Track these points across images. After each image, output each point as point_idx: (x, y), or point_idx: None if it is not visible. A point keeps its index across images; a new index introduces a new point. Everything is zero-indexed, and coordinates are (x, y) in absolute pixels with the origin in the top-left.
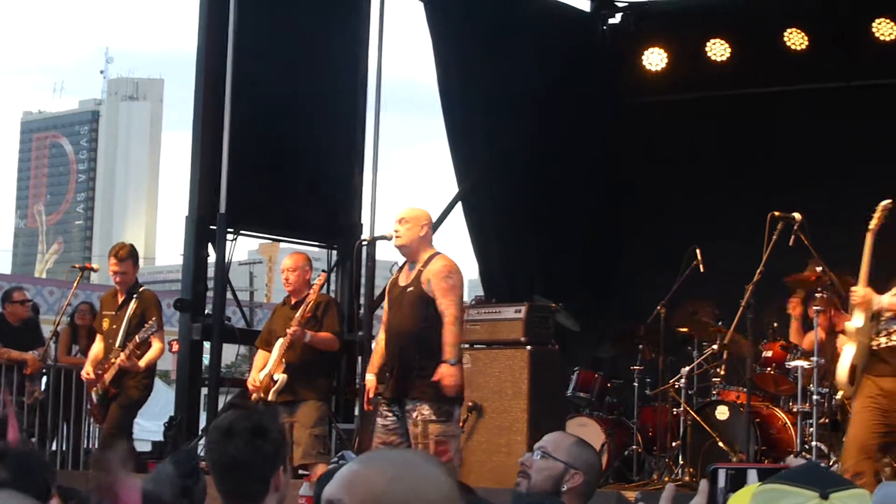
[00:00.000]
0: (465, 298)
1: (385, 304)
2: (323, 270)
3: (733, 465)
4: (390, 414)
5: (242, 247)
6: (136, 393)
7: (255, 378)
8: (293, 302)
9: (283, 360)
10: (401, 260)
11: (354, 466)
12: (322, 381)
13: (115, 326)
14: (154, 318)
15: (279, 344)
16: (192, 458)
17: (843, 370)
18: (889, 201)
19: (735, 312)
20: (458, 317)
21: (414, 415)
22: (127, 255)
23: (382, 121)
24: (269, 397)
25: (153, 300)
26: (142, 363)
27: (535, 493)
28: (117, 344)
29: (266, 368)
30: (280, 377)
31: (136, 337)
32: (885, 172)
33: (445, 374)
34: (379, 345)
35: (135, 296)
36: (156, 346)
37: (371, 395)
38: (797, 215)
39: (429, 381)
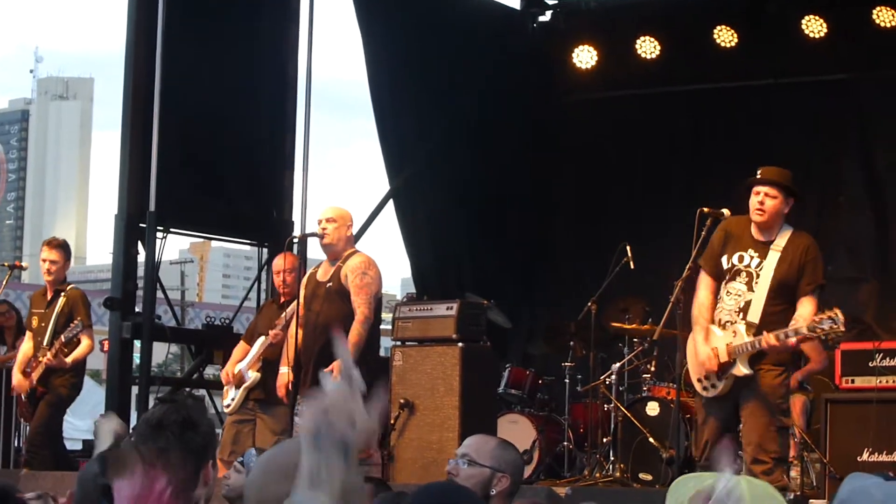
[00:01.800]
0: (398, 296)
1: (300, 298)
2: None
3: None
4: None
5: (174, 246)
6: (65, 391)
7: (230, 369)
8: (282, 301)
9: (262, 358)
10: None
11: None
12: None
13: (43, 324)
14: (80, 318)
15: (260, 342)
16: None
17: None
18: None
19: (665, 309)
20: (368, 317)
21: None
22: (59, 245)
23: (313, 120)
24: (239, 393)
25: (80, 298)
26: (68, 360)
27: None
28: (45, 342)
29: (243, 362)
30: (253, 375)
31: (62, 336)
32: (812, 169)
33: (337, 370)
34: (292, 338)
35: (62, 293)
36: (84, 343)
37: (288, 388)
38: (726, 212)
39: None
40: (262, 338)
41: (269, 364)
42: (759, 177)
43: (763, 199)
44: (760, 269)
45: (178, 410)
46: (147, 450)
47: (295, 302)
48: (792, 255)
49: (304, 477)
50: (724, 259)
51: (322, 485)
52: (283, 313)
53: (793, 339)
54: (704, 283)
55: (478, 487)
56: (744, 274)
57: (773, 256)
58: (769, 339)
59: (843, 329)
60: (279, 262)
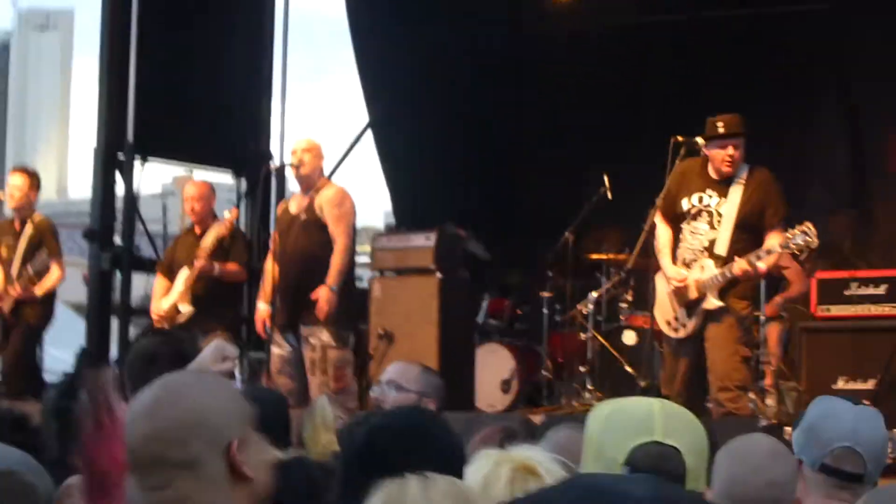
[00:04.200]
0: (380, 227)
1: (274, 232)
2: (235, 205)
3: None
4: (285, 343)
5: (157, 180)
6: (34, 321)
7: (159, 307)
8: (198, 232)
9: (190, 291)
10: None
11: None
12: (228, 311)
13: (12, 255)
14: (46, 252)
15: (184, 275)
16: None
17: None
18: None
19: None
20: (348, 245)
21: (312, 340)
22: (22, 171)
23: (291, 50)
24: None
25: (48, 227)
26: (39, 291)
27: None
28: (14, 272)
29: (170, 297)
30: (186, 309)
31: (29, 268)
32: (792, 100)
33: (323, 297)
34: (268, 272)
35: (30, 222)
36: (54, 272)
37: (267, 324)
38: (700, 140)
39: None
40: (186, 270)
41: (196, 298)
42: (724, 131)
43: (733, 154)
44: (721, 207)
45: (169, 343)
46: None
47: (214, 234)
48: (753, 190)
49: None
50: (683, 201)
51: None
52: (203, 243)
53: (763, 266)
54: (661, 225)
55: None
56: (704, 214)
57: (736, 192)
58: (740, 263)
59: (816, 241)
60: (189, 190)
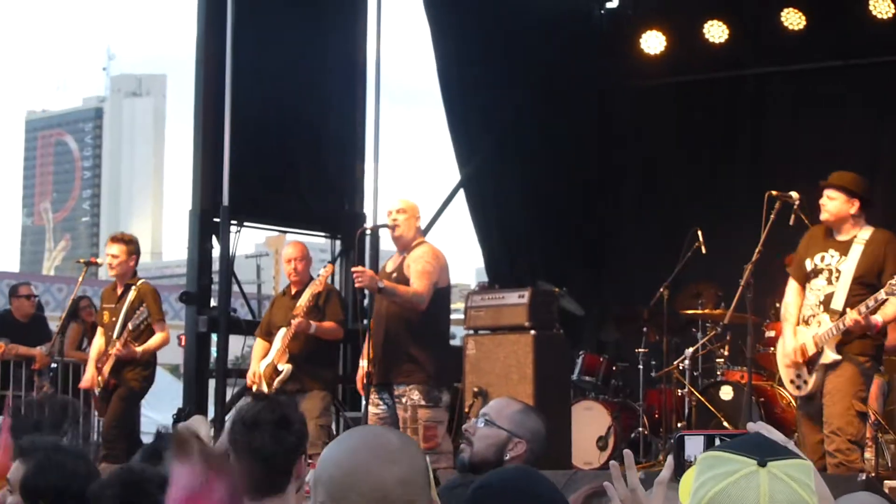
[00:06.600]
0: (472, 285)
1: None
2: (329, 261)
3: (700, 432)
4: (381, 402)
5: (249, 240)
6: (136, 385)
7: (256, 369)
8: (293, 292)
9: (287, 350)
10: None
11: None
12: (326, 371)
13: (114, 319)
14: (145, 305)
15: (282, 335)
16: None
17: None
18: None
19: (736, 293)
20: (423, 294)
21: (403, 399)
22: (121, 240)
23: (383, 111)
24: (274, 387)
25: (150, 291)
26: (139, 350)
27: (477, 462)
28: (115, 335)
29: (268, 358)
30: (285, 367)
31: (129, 324)
32: (883, 150)
33: (365, 271)
34: (371, 332)
35: (133, 287)
36: (158, 335)
37: (364, 381)
38: (794, 194)
39: (418, 365)
40: (283, 330)
41: (294, 357)
42: (823, 182)
43: (825, 201)
44: (841, 264)
45: (272, 409)
46: (213, 453)
47: (309, 292)
48: (873, 248)
49: None
50: (807, 262)
51: None
52: (300, 302)
53: (879, 319)
54: (791, 286)
55: (492, 450)
56: (825, 272)
57: (857, 250)
58: (852, 314)
59: None
60: (290, 251)
